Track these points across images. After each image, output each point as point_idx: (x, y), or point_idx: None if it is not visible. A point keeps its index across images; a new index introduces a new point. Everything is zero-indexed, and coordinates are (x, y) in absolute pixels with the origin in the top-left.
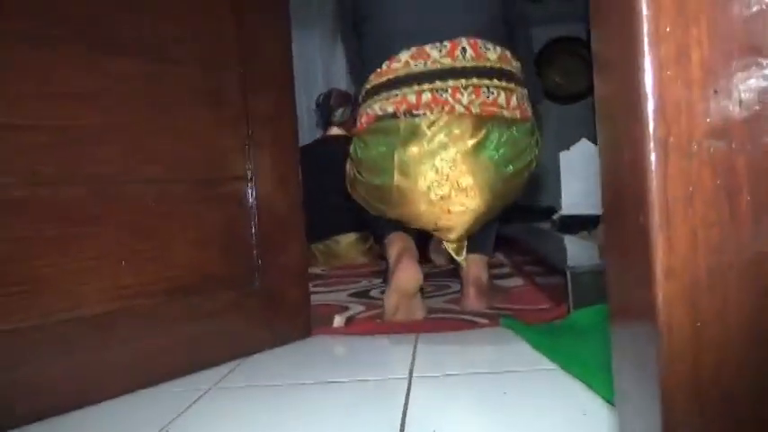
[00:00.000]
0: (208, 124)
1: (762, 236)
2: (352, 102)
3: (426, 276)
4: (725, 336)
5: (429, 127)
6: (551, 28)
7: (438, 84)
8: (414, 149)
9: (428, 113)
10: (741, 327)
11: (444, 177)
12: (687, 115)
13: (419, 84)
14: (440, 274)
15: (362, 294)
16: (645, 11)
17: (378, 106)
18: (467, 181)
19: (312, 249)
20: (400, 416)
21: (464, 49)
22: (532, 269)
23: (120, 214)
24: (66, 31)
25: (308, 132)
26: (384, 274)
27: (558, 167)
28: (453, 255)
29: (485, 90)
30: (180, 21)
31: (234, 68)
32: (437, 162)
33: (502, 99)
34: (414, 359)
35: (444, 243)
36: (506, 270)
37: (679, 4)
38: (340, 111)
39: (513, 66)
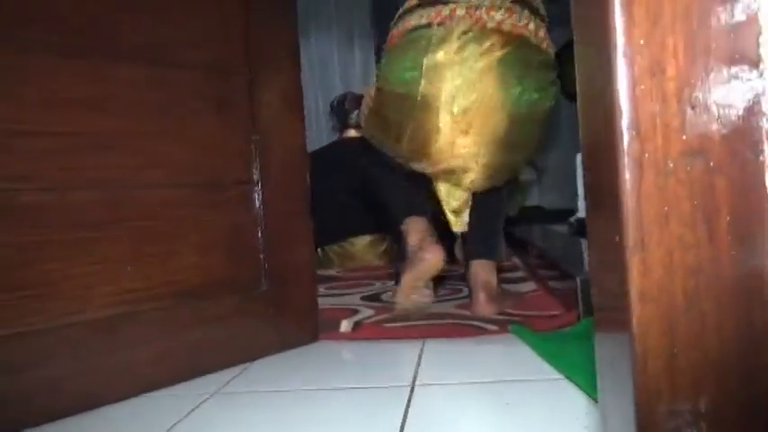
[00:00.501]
0: (214, 128)
1: (742, 259)
2: None
3: (439, 279)
4: (703, 361)
5: (460, 36)
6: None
7: (473, 2)
8: (442, 54)
9: (461, 24)
10: (721, 353)
11: (470, 86)
12: (662, 131)
13: (455, 2)
14: (453, 277)
15: (374, 298)
16: (618, 22)
17: (412, 20)
18: (489, 93)
19: (327, 251)
20: (399, 426)
21: None
22: (547, 273)
23: (126, 219)
24: (71, 36)
25: (326, 134)
26: (398, 269)
27: (576, 168)
28: (452, 223)
29: (517, 14)
30: (186, 24)
31: (240, 71)
32: (465, 71)
33: (532, 26)
34: (418, 366)
35: (446, 211)
36: (520, 274)
37: (654, 15)
38: (356, 113)
39: (542, 12)
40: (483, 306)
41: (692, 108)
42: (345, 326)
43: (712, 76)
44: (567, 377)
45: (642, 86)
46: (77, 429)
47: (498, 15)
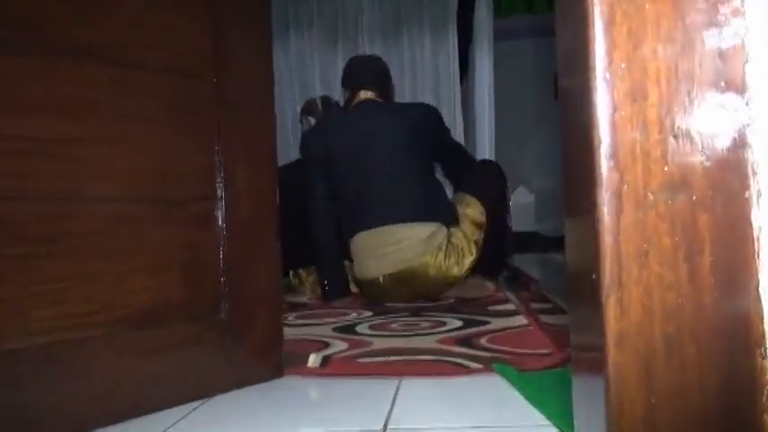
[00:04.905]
0: (175, 136)
1: (725, 302)
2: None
3: (420, 311)
4: (683, 414)
5: None
6: None
7: None
8: None
9: None
10: (703, 403)
11: None
12: (643, 161)
13: None
14: (436, 308)
15: (348, 329)
16: (599, 44)
17: None
18: None
19: (300, 275)
20: None
21: None
22: (543, 306)
23: (70, 234)
24: (23, 32)
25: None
26: None
27: None
28: None
29: None
30: (152, 25)
31: (206, 76)
32: None
33: None
34: (392, 408)
35: None
36: (511, 307)
37: (636, 38)
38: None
39: None
40: None
41: (675, 137)
42: (313, 360)
43: (696, 103)
44: (554, 424)
45: (622, 113)
46: None
47: None
